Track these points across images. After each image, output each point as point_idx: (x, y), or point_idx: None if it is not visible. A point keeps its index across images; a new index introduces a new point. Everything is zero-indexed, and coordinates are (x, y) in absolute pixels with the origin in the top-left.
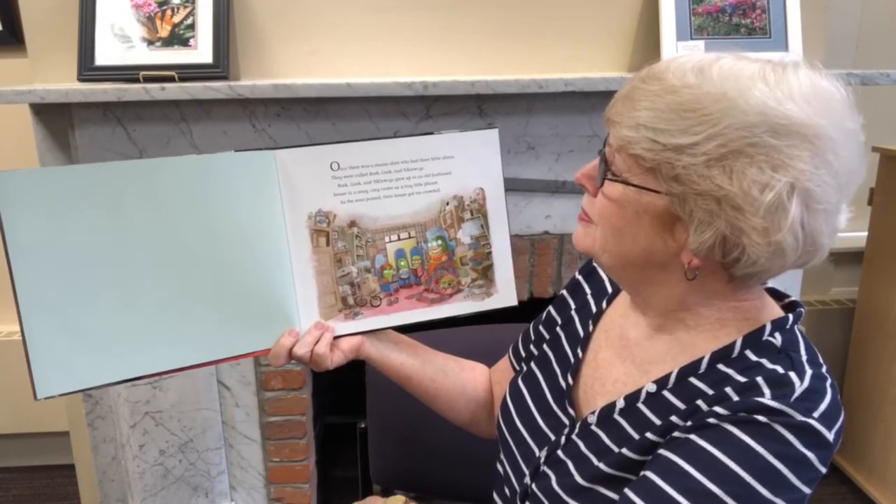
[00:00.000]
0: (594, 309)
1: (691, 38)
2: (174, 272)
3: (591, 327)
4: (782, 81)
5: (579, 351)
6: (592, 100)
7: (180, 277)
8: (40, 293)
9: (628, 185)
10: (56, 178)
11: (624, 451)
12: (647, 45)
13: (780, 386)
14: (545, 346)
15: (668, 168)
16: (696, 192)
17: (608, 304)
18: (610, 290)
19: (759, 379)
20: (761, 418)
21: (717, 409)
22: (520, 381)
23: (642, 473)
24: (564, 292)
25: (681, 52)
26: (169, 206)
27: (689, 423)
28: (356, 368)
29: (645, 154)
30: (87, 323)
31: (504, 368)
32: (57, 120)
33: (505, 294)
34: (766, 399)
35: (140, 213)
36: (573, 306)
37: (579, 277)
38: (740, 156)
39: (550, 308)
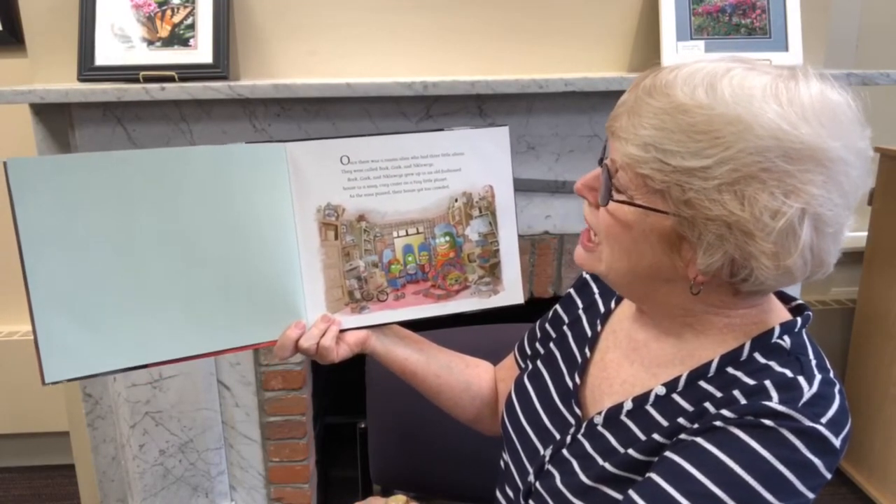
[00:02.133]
0: (602, 308)
1: (691, 39)
2: (182, 262)
3: (598, 327)
4: (794, 100)
5: (587, 350)
6: (592, 100)
7: (188, 267)
8: (50, 279)
9: (634, 205)
10: (68, 165)
11: (630, 451)
12: (647, 45)
13: (789, 390)
14: (551, 345)
15: (678, 191)
16: (706, 217)
17: (616, 303)
18: None
19: (768, 382)
20: (768, 422)
21: (724, 412)
22: (525, 380)
23: (647, 475)
24: (571, 291)
25: (681, 53)
26: (179, 195)
27: (695, 426)
28: (356, 368)
29: (654, 175)
30: (95, 310)
31: (509, 366)
32: (57, 120)
33: (511, 292)
34: (774, 403)
35: (150, 201)
36: (580, 305)
37: (586, 277)
38: (753, 181)
39: (557, 307)
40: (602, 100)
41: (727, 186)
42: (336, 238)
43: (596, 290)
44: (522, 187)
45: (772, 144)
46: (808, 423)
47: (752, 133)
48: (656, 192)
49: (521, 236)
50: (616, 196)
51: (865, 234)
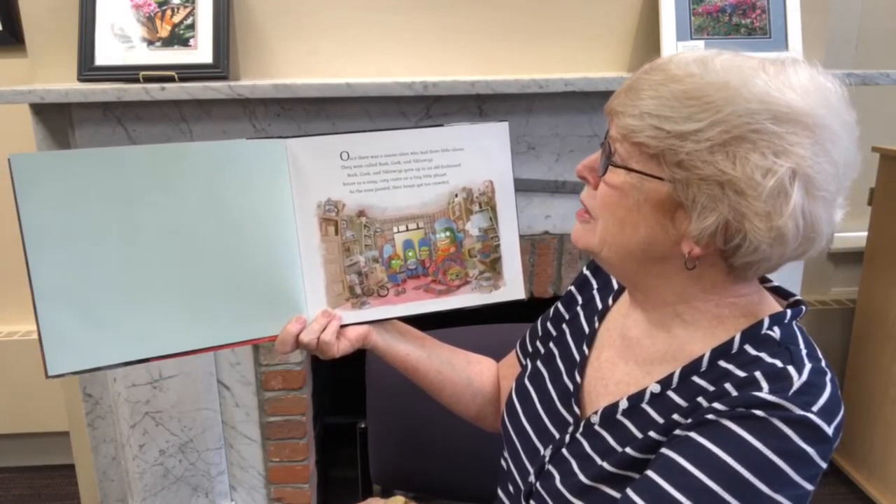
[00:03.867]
0: (600, 305)
1: (691, 38)
2: (184, 257)
3: (596, 324)
4: (782, 73)
5: (585, 348)
6: (592, 100)
7: (190, 262)
8: (53, 273)
9: (631, 171)
10: (72, 160)
11: (627, 450)
12: (647, 45)
13: (779, 380)
14: (551, 344)
15: (671, 154)
16: (699, 178)
17: (614, 300)
18: (616, 286)
19: (758, 373)
20: (759, 413)
21: (716, 405)
22: (526, 381)
23: (644, 473)
24: (572, 288)
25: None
26: (180, 191)
27: (689, 421)
28: (356, 368)
29: (649, 141)
30: (97, 304)
31: (512, 363)
32: (57, 120)
33: (512, 287)
34: (764, 393)
35: (152, 196)
36: (580, 301)
37: (587, 273)
38: (743, 141)
39: (558, 304)
40: (602, 100)
41: (719, 147)
42: (336, 233)
43: (595, 285)
44: (522, 187)
45: (760, 107)
46: (798, 412)
47: (742, 97)
48: (651, 157)
49: (521, 236)
50: (613, 164)
51: (865, 234)
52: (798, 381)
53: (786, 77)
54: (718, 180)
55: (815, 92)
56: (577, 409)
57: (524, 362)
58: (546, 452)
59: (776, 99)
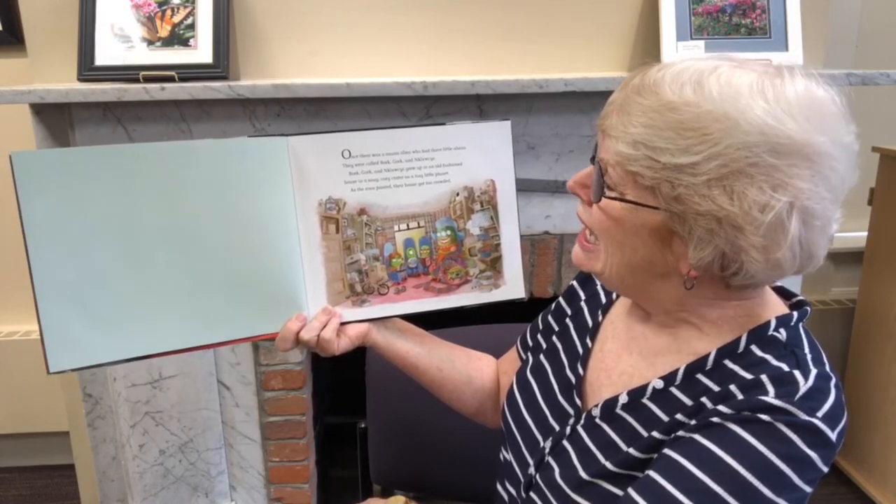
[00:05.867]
0: (604, 299)
1: (691, 38)
2: (185, 254)
3: (600, 317)
4: (780, 96)
5: (588, 341)
6: (592, 100)
7: (191, 259)
8: (55, 270)
9: (625, 201)
10: (72, 158)
11: (631, 450)
12: (647, 45)
13: (785, 384)
14: (554, 338)
15: (668, 187)
16: (696, 212)
17: (617, 295)
18: None
19: (764, 377)
20: (764, 417)
21: (721, 407)
22: (528, 373)
23: (646, 473)
24: (574, 283)
25: (681, 52)
26: (182, 188)
27: (693, 422)
28: (356, 368)
29: (644, 171)
30: (99, 301)
31: (512, 359)
32: (57, 120)
33: (512, 286)
34: (770, 398)
35: (154, 194)
36: (583, 297)
37: None
38: (741, 176)
39: (560, 299)
40: (602, 100)
41: (716, 182)
42: (337, 231)
43: (598, 281)
44: (522, 187)
45: (759, 140)
46: (804, 417)
47: (740, 129)
48: (647, 188)
49: (521, 236)
50: (608, 192)
51: (865, 234)
52: (804, 386)
53: (785, 100)
54: (716, 215)
55: (814, 115)
56: (578, 401)
57: (524, 357)
58: (546, 444)
59: (775, 129)
